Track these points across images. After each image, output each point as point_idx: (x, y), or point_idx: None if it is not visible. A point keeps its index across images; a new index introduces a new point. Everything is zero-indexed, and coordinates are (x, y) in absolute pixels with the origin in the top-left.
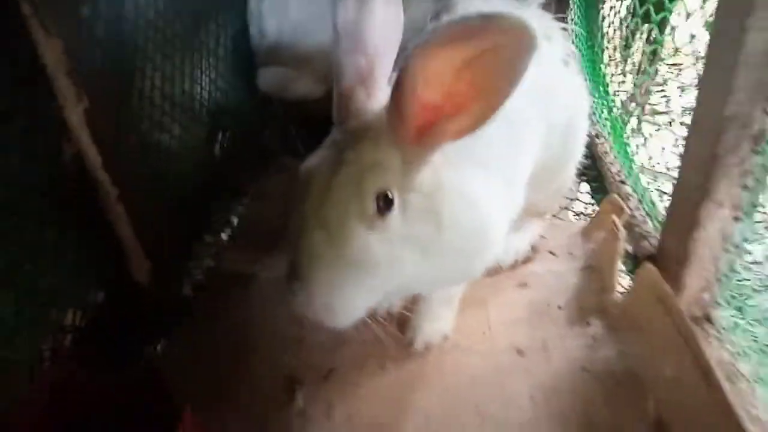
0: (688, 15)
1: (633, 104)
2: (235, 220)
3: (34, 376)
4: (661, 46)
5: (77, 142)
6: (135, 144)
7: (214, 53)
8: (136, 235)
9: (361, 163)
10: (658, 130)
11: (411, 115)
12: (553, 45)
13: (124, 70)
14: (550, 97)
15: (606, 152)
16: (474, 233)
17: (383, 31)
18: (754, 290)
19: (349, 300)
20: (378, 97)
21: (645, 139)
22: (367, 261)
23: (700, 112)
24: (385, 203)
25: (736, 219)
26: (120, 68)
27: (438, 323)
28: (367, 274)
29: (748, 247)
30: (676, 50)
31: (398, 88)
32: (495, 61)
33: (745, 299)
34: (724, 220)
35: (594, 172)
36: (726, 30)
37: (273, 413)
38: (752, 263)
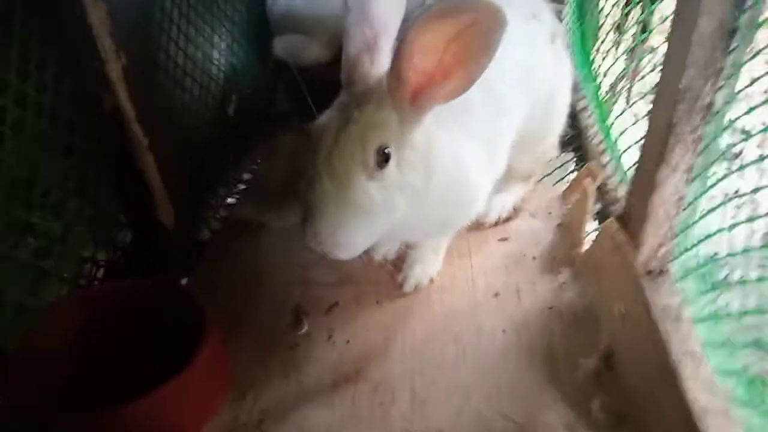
0: None
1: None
2: (246, 175)
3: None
4: (640, 25)
5: (116, 96)
6: (161, 100)
7: (230, 20)
8: (163, 182)
9: (365, 122)
10: (631, 105)
11: (407, 81)
12: (541, 23)
13: (154, 32)
14: (535, 73)
15: (590, 124)
16: (458, 187)
17: (387, 5)
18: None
19: (352, 237)
20: (381, 64)
21: (623, 111)
22: (367, 205)
23: (662, 85)
24: (383, 157)
25: (688, 182)
26: (150, 30)
27: (426, 267)
28: (367, 216)
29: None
30: (650, 31)
31: (397, 57)
32: (474, 35)
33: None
34: (677, 182)
35: (578, 142)
36: (683, 12)
37: (282, 336)
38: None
